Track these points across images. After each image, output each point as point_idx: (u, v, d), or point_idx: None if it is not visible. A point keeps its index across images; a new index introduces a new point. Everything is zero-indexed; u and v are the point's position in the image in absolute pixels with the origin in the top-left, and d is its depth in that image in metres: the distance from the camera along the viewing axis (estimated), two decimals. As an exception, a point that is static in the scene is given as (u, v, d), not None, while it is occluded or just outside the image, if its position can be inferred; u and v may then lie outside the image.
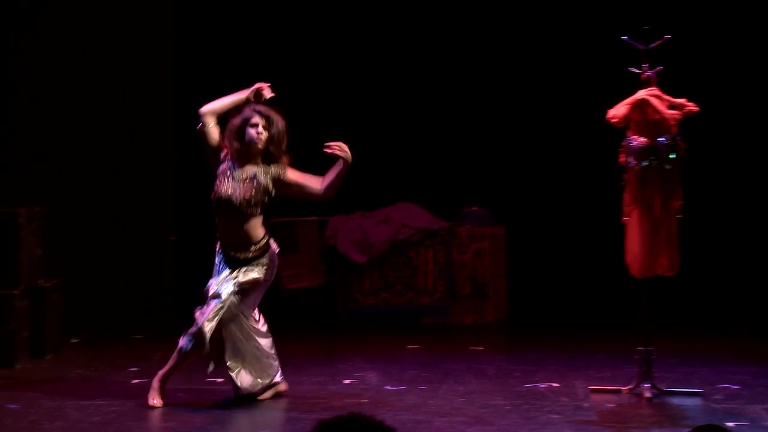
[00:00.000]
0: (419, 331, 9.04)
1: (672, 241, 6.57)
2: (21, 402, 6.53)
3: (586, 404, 6.47)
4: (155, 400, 6.32)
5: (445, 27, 9.99)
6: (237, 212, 6.35)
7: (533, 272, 9.77)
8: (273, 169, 6.41)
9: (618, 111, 6.59)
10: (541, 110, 9.96)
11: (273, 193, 6.40)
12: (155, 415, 6.26)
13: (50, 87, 8.77)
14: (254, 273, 6.38)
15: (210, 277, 6.45)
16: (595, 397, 6.64)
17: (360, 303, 9.44)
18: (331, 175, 6.45)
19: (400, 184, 9.94)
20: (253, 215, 6.37)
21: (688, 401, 6.53)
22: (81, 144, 8.61)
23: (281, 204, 9.70)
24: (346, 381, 7.12)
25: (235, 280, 6.33)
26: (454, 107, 10.00)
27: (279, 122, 6.42)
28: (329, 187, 6.45)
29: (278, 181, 6.40)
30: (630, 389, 6.64)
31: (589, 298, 9.55)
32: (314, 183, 6.47)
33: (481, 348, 8.29)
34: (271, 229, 9.63)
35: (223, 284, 6.33)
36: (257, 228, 6.40)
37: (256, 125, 6.35)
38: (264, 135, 6.36)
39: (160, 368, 7.45)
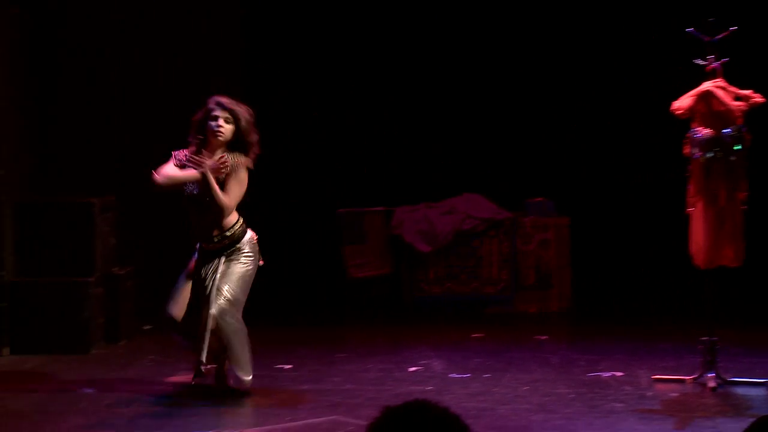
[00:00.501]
0: (484, 320, 9.08)
1: (737, 232, 6.57)
2: (96, 386, 6.70)
3: (649, 393, 6.49)
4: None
5: (508, 17, 10.00)
6: (203, 203, 6.30)
7: (597, 262, 9.76)
8: (235, 159, 6.33)
9: (683, 102, 6.60)
10: (606, 101, 9.94)
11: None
12: (226, 399, 6.38)
13: (126, 82, 8.92)
14: (238, 266, 6.34)
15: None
16: (659, 386, 6.65)
17: (425, 292, 9.51)
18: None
19: (465, 175, 9.97)
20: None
21: (752, 391, 6.51)
22: (153, 136, 8.76)
23: (348, 194, 9.84)
24: (412, 369, 7.19)
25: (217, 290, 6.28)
26: (519, 99, 10.01)
27: (244, 115, 6.37)
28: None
29: (231, 171, 6.34)
30: (694, 379, 6.63)
31: (653, 287, 9.52)
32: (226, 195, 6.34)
33: (545, 337, 8.32)
34: (338, 220, 9.74)
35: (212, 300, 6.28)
36: (227, 216, 6.36)
37: (216, 118, 6.32)
38: (225, 128, 6.32)
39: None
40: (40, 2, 8.62)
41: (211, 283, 6.29)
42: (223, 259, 6.35)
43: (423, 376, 7.00)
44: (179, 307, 6.34)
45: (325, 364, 7.34)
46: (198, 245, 6.43)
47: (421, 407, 2.56)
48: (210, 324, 6.19)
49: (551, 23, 9.97)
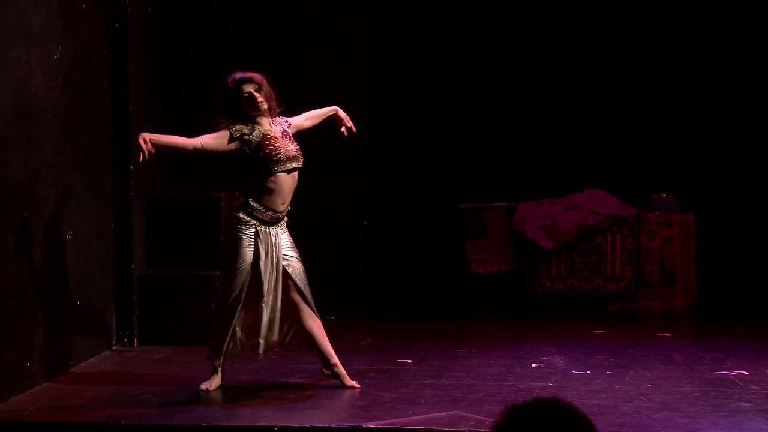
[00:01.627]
0: (606, 317, 9.02)
1: None
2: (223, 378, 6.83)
3: (776, 393, 6.39)
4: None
5: (633, 11, 9.91)
6: (294, 169, 6.43)
7: (722, 258, 9.62)
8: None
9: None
10: (730, 96, 9.79)
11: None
12: (349, 392, 6.46)
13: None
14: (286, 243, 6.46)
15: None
16: (787, 386, 6.54)
17: (547, 288, 9.48)
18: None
19: (589, 171, 9.92)
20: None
21: None
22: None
23: (470, 190, 9.85)
24: (533, 364, 7.18)
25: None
26: (644, 94, 9.92)
27: (261, 79, 6.44)
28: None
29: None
30: (822, 379, 6.52)
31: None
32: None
33: (668, 334, 8.23)
34: (460, 215, 9.76)
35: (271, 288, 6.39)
36: None
37: (249, 94, 6.37)
38: (261, 98, 6.39)
39: (351, 349, 7.71)
40: (171, 1, 8.81)
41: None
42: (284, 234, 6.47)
43: (544, 372, 6.99)
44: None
45: (447, 359, 7.38)
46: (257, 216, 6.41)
47: (549, 407, 2.50)
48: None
49: (682, 16, 9.84)
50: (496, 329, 8.61)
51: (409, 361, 7.31)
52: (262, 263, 6.33)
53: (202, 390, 6.50)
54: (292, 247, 6.51)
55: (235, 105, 6.44)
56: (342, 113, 6.79)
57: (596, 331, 8.31)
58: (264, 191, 6.38)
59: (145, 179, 8.17)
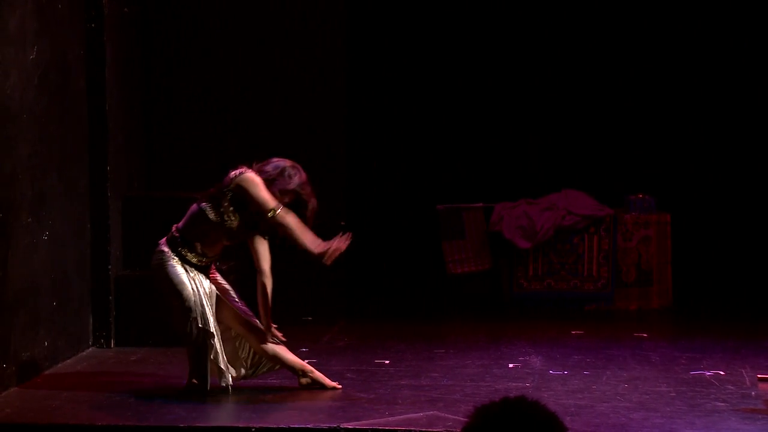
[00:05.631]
0: (583, 317, 9.04)
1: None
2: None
3: (753, 393, 6.40)
4: None
5: (617, 11, 9.93)
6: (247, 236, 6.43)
7: (699, 259, 9.65)
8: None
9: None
10: (707, 96, 9.83)
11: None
12: (328, 393, 6.46)
13: (231, 79, 9.05)
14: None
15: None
16: (763, 386, 6.55)
17: (524, 288, 9.50)
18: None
19: (566, 171, 9.93)
20: None
21: None
22: (257, 132, 8.89)
23: (447, 191, 9.85)
24: (511, 365, 7.20)
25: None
26: (619, 94, 9.94)
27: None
28: None
29: None
30: (798, 379, 6.55)
31: (756, 284, 9.39)
32: None
33: (645, 335, 8.25)
34: (437, 215, 9.79)
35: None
36: None
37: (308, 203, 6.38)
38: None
39: (329, 350, 7.71)
40: (149, 1, 8.79)
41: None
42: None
43: (522, 372, 7.00)
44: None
45: (424, 359, 7.38)
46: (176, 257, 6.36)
47: (517, 406, 2.51)
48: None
49: (657, 16, 9.88)
50: (473, 330, 8.62)
51: (387, 361, 7.32)
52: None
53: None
54: (219, 275, 6.51)
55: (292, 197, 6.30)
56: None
57: (573, 332, 8.33)
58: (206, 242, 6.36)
59: (122, 180, 8.15)
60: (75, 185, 7.62)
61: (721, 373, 6.88)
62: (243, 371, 6.53)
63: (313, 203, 6.35)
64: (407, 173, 10.04)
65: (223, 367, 6.29)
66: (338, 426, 5.70)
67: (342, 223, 9.07)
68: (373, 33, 9.93)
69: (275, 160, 6.39)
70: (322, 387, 6.49)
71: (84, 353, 7.65)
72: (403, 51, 10.00)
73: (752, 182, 9.68)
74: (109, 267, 7.85)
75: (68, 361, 7.40)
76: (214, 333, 6.27)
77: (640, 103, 9.94)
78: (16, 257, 6.77)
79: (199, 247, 6.34)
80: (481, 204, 9.64)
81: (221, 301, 6.42)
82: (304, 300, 8.87)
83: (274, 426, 5.76)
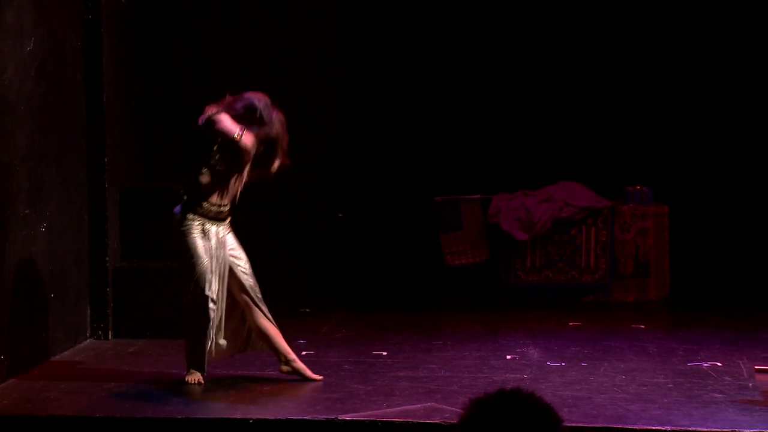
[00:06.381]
0: (581, 309, 9.04)
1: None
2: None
3: (750, 384, 6.41)
4: None
5: (618, 10, 9.93)
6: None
7: (696, 250, 9.66)
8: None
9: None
10: (707, 88, 9.82)
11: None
12: (325, 385, 6.46)
13: (226, 71, 9.03)
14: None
15: None
16: (761, 377, 6.56)
17: (522, 280, 9.50)
18: None
19: (564, 163, 9.93)
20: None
21: None
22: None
23: (445, 182, 9.85)
24: (508, 356, 7.20)
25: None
26: (619, 86, 9.93)
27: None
28: None
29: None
30: (795, 370, 6.56)
31: (754, 277, 9.40)
32: None
33: (642, 326, 8.26)
34: (435, 207, 9.77)
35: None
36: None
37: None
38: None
39: (326, 341, 7.71)
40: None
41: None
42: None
43: (519, 363, 7.00)
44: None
45: (422, 351, 7.39)
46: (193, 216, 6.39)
47: (512, 398, 2.50)
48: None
49: (654, 9, 9.87)
50: (471, 321, 8.62)
51: (384, 353, 7.32)
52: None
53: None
54: (239, 247, 6.51)
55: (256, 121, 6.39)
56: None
57: (571, 323, 8.34)
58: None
59: (120, 171, 8.14)
60: (72, 177, 7.62)
61: (719, 364, 6.88)
62: (235, 348, 6.55)
63: (277, 127, 6.40)
64: (405, 165, 10.04)
65: (213, 335, 6.33)
66: (336, 418, 5.71)
67: (339, 215, 9.09)
68: (369, 24, 9.92)
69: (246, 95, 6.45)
70: (304, 378, 6.49)
71: (82, 345, 7.65)
72: (400, 42, 10.00)
73: (749, 174, 9.68)
74: (107, 259, 7.84)
75: (66, 352, 7.40)
76: (215, 299, 6.30)
77: (638, 95, 9.93)
78: (13, 249, 6.77)
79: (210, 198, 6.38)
80: (478, 196, 9.64)
81: (231, 271, 6.44)
82: (302, 292, 8.86)
83: (272, 418, 5.77)
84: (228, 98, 6.45)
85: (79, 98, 7.72)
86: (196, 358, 6.42)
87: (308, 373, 6.53)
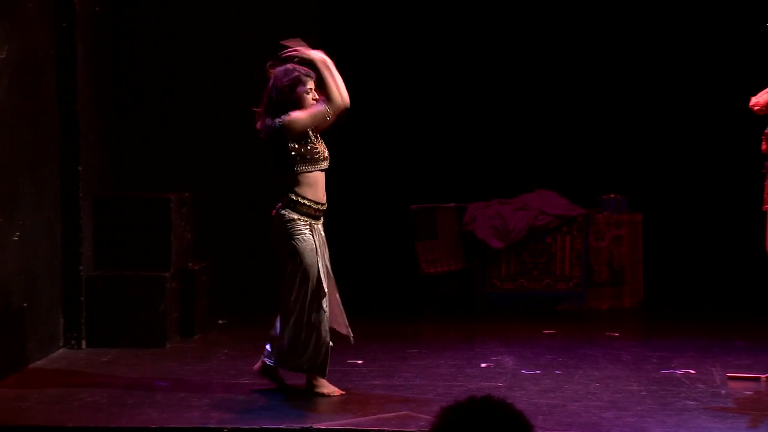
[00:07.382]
0: (555, 317, 9.06)
1: (813, 229, 6.49)
2: (170, 379, 6.81)
3: (723, 391, 6.44)
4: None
5: (587, 12, 9.96)
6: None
7: (670, 259, 9.69)
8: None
9: (761, 99, 6.53)
10: (680, 96, 9.88)
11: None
12: (299, 393, 6.45)
13: (202, 78, 9.02)
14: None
15: None
16: (733, 384, 6.60)
17: (497, 288, 9.51)
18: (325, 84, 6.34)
19: (538, 171, 9.96)
20: None
21: (827, 390, 6.45)
22: (229, 131, 8.86)
23: (420, 191, 9.86)
24: (483, 364, 7.21)
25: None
26: (592, 94, 9.97)
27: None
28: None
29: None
30: (768, 377, 6.59)
31: (727, 285, 9.44)
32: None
33: (617, 334, 8.28)
34: (410, 215, 9.82)
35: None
36: None
37: (310, 90, 6.40)
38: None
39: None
40: (119, 0, 8.75)
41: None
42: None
43: (494, 372, 7.01)
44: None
45: (397, 359, 7.38)
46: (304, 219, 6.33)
47: (482, 406, 2.51)
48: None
49: (627, 17, 9.92)
50: (446, 329, 8.62)
51: (360, 361, 7.31)
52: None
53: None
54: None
55: (290, 98, 6.32)
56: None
57: (545, 331, 8.35)
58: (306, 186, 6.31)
59: (93, 180, 8.11)
60: (46, 185, 7.58)
61: (692, 371, 6.91)
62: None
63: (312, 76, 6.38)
64: (380, 173, 10.04)
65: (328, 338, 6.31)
66: (310, 426, 5.70)
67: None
68: (344, 33, 9.91)
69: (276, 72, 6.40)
70: (282, 385, 6.48)
71: (55, 354, 7.61)
72: (375, 51, 10.01)
73: (722, 183, 9.73)
74: (81, 267, 7.81)
75: (39, 362, 7.36)
76: (327, 293, 6.29)
77: (612, 104, 9.97)
78: (-14, 257, 6.73)
79: (309, 194, 6.33)
80: (454, 204, 9.66)
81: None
82: (276, 300, 8.84)
83: (246, 426, 5.75)
84: (264, 97, 6.37)
85: (53, 106, 7.69)
86: (318, 364, 6.32)
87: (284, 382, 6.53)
